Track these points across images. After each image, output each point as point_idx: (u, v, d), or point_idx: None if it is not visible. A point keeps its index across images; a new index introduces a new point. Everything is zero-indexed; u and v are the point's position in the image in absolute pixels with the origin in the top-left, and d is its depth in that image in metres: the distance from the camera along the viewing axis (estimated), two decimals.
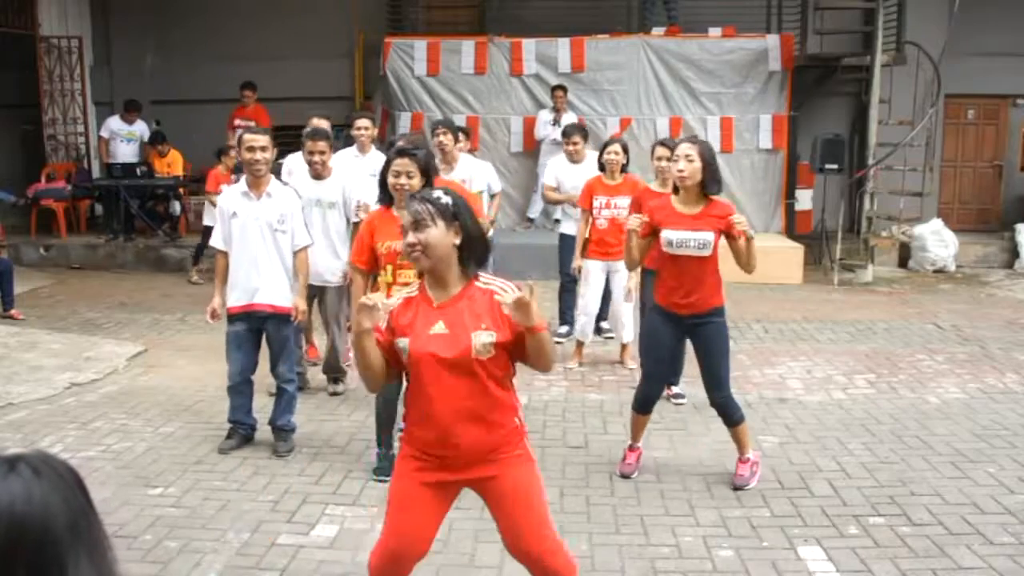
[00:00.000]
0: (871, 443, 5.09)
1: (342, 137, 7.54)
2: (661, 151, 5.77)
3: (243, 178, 4.87)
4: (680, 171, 4.25)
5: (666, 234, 4.28)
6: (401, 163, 4.22)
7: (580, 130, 7.20)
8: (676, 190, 4.39)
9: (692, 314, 4.33)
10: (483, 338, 2.67)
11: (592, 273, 6.49)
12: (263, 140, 4.77)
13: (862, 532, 3.99)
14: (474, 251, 2.76)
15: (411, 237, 2.68)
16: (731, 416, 4.48)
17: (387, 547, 2.86)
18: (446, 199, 2.73)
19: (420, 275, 2.84)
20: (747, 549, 3.83)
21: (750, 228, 4.29)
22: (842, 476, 4.62)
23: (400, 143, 4.49)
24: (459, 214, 2.72)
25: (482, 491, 2.86)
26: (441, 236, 2.67)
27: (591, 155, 7.15)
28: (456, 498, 2.92)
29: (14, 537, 1.06)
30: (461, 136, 6.89)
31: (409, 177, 4.20)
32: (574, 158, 7.01)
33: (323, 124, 6.26)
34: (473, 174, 6.57)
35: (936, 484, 4.51)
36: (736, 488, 4.43)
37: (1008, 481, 4.55)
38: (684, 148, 4.27)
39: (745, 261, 4.29)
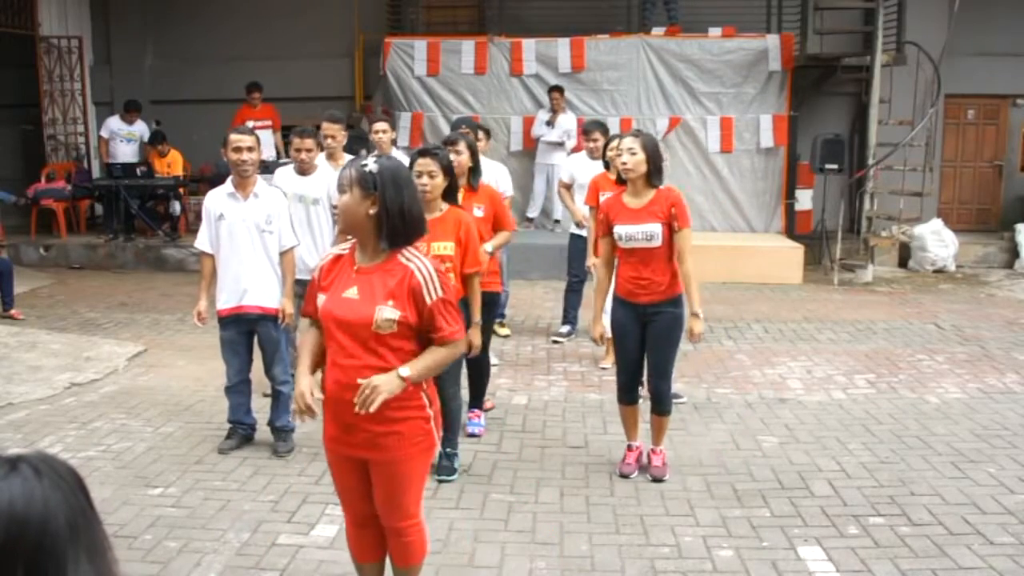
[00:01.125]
0: (871, 443, 5.09)
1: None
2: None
3: (229, 179, 4.85)
4: (624, 164, 4.41)
5: (616, 229, 4.47)
6: (423, 163, 4.18)
7: (600, 127, 7.08)
8: (619, 180, 4.58)
9: (650, 303, 4.42)
10: (386, 314, 2.68)
11: None
12: (249, 140, 4.75)
13: (862, 532, 3.99)
14: (390, 227, 2.71)
15: (336, 199, 2.81)
16: (663, 405, 4.61)
17: (346, 515, 3.07)
18: (372, 168, 2.71)
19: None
20: (747, 549, 3.83)
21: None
22: (842, 476, 4.62)
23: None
24: (380, 185, 2.69)
25: (372, 465, 2.87)
26: (354, 204, 2.70)
27: None
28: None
29: (14, 536, 1.06)
30: (481, 135, 6.65)
31: (431, 177, 4.16)
32: (594, 155, 6.91)
33: (334, 126, 6.20)
34: (497, 177, 6.50)
35: (936, 484, 4.51)
36: (656, 480, 4.52)
37: (1008, 481, 4.55)
38: (627, 142, 4.44)
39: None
